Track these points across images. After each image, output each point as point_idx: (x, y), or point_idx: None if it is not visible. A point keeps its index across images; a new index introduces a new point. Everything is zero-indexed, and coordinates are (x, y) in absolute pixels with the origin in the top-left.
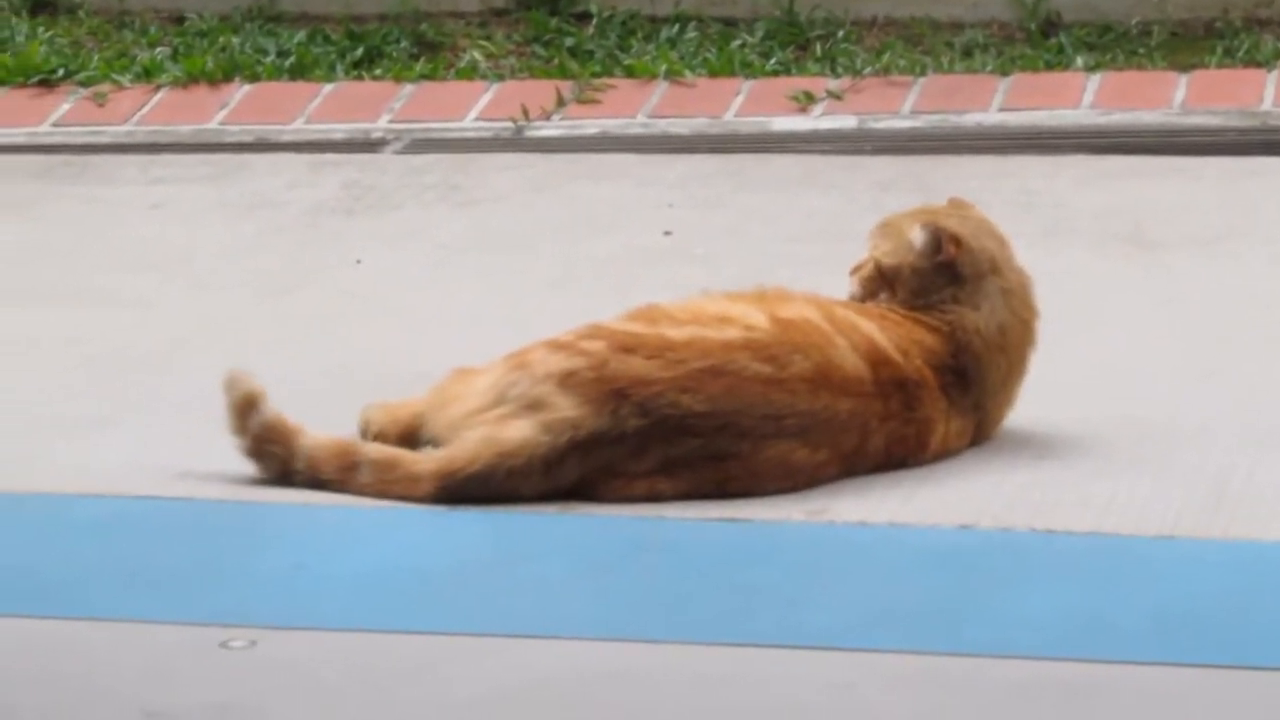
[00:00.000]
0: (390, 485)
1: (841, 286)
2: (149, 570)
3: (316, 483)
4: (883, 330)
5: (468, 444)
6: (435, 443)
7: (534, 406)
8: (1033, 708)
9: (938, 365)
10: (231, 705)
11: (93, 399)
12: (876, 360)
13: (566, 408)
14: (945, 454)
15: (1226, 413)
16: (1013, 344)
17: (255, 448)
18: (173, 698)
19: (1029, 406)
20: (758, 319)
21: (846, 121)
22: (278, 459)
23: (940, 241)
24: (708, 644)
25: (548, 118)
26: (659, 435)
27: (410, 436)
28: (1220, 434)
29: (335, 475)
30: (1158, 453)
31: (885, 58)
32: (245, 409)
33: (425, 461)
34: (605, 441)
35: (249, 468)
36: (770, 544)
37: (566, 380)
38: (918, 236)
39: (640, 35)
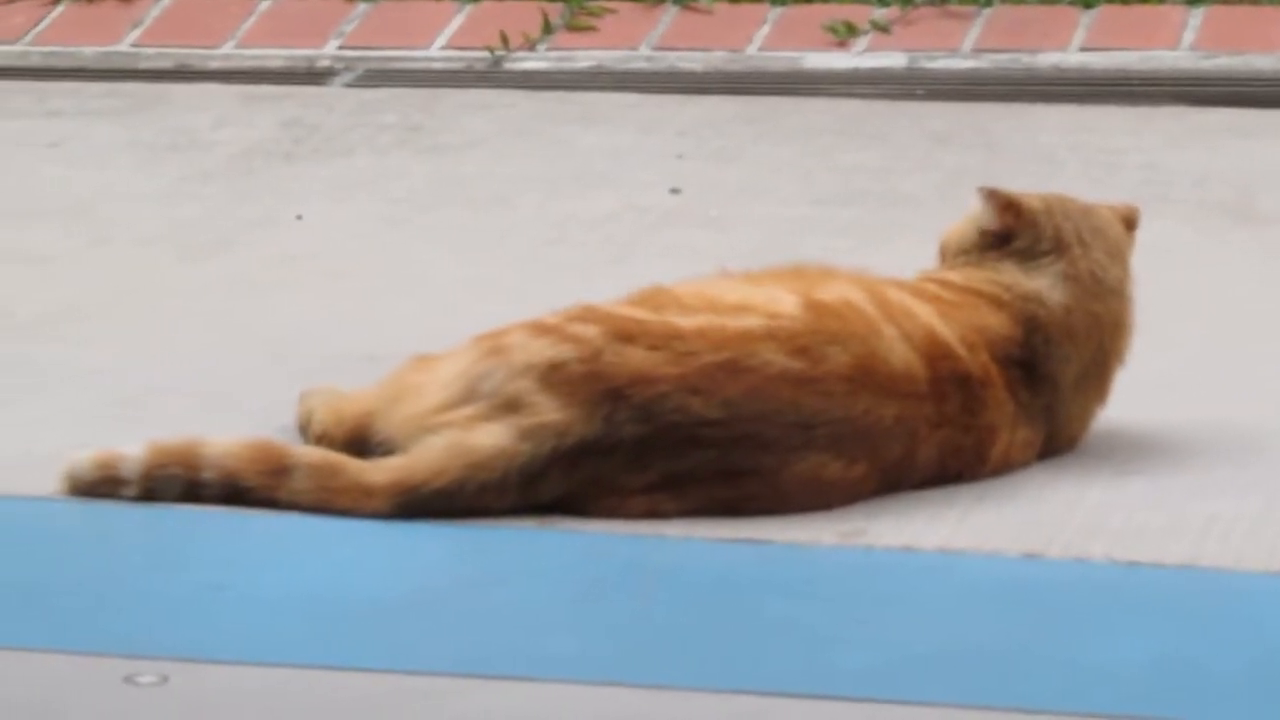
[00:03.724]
0: (334, 496)
1: (887, 259)
2: (41, 589)
3: (234, 493)
4: (942, 316)
5: (431, 452)
6: (389, 445)
7: (510, 406)
8: None
9: (1005, 357)
10: None
11: None
12: (934, 353)
13: (550, 409)
14: (1006, 468)
15: None
16: (1080, 334)
17: (147, 487)
18: None
19: (1109, 409)
20: (787, 304)
21: (894, 60)
22: (178, 480)
23: (997, 208)
24: (715, 690)
25: (531, 47)
26: (662, 446)
27: (359, 439)
28: None
29: (260, 480)
30: (1266, 467)
31: None
32: (106, 474)
33: (378, 471)
34: (596, 451)
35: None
36: (795, 572)
37: (551, 374)
38: (978, 202)
39: None
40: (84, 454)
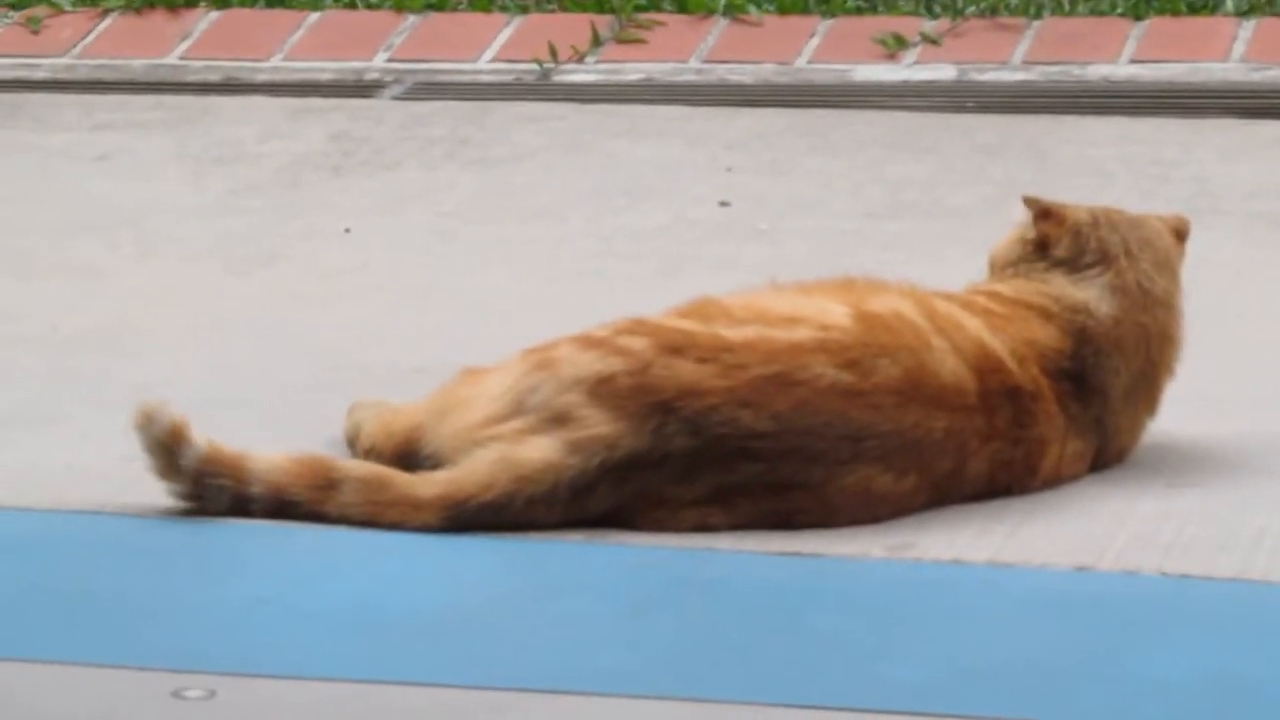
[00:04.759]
0: (382, 509)
1: (936, 272)
2: (88, 602)
3: (282, 507)
4: (992, 329)
5: (479, 465)
6: (437, 458)
7: (559, 419)
8: None
9: (1054, 370)
10: None
11: (23, 389)
12: (984, 366)
13: (598, 422)
14: (1057, 481)
15: None
16: (1129, 345)
17: (195, 487)
18: None
19: (1160, 421)
20: (837, 315)
21: (944, 72)
22: (226, 491)
23: (1035, 215)
24: (764, 704)
25: (580, 60)
26: (712, 458)
27: (408, 452)
28: None
29: (308, 495)
30: None
31: None
32: (173, 445)
33: (427, 485)
34: (645, 464)
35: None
36: (843, 585)
37: (599, 387)
38: (1022, 210)
39: None
40: (170, 410)
